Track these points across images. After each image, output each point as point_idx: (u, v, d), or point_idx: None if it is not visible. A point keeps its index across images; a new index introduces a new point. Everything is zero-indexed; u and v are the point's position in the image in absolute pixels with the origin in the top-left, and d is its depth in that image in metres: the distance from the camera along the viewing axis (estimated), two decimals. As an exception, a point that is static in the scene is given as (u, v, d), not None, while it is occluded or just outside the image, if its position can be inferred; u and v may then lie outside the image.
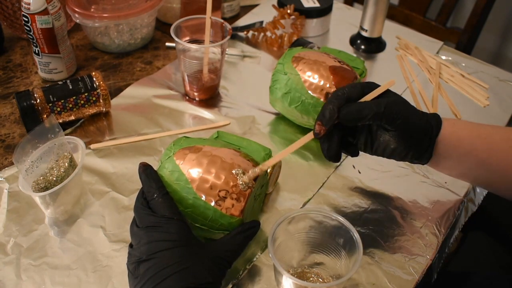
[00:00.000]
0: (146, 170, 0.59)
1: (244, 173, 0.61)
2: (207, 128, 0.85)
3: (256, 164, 0.64)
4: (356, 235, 0.59)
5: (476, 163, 0.63)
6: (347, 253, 0.61)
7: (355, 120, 0.58)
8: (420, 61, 1.03)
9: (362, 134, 0.64)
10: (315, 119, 0.59)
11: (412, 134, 0.61)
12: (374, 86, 0.62)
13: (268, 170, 0.69)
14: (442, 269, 0.76)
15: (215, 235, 0.62)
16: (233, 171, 0.61)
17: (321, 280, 0.63)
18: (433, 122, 0.63)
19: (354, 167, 0.80)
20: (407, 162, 0.80)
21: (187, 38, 0.89)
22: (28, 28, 0.87)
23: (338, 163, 0.80)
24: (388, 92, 0.62)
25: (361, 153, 0.81)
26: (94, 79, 0.84)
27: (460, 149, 0.63)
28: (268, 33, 1.07)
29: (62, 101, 0.82)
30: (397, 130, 0.60)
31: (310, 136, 0.60)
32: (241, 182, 0.60)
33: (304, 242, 0.64)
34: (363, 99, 0.60)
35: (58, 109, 0.82)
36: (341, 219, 0.60)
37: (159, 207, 0.56)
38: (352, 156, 0.66)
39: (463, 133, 0.63)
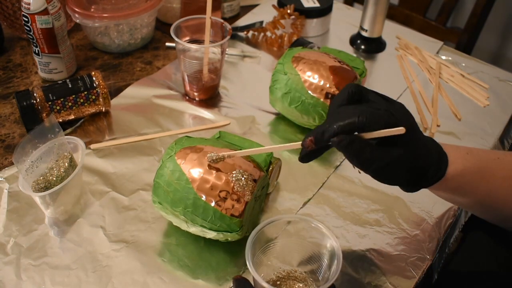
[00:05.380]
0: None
1: (239, 179, 0.61)
2: (207, 128, 0.85)
3: (257, 165, 0.64)
4: (336, 244, 0.56)
5: (474, 202, 0.62)
6: (328, 261, 0.59)
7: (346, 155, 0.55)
8: (420, 61, 1.03)
9: None
10: (308, 134, 0.54)
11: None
12: (392, 120, 0.53)
13: (269, 170, 0.69)
14: (443, 269, 0.76)
15: (214, 236, 0.62)
16: (234, 173, 0.61)
17: None
18: (432, 173, 0.57)
19: (354, 167, 0.80)
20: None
21: (187, 38, 0.89)
22: (28, 28, 0.87)
23: (338, 163, 0.80)
24: (404, 141, 0.54)
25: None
26: (94, 78, 0.84)
27: (458, 191, 0.61)
28: (268, 33, 1.07)
29: (62, 99, 0.82)
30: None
31: (297, 145, 0.56)
32: (210, 160, 0.60)
33: (284, 250, 0.61)
34: (367, 135, 0.53)
35: (58, 107, 0.82)
36: (321, 225, 0.58)
37: None
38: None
39: (466, 179, 0.59)
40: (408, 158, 0.54)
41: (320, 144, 0.54)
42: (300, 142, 0.55)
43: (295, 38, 1.04)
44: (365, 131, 0.52)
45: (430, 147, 0.57)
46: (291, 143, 0.57)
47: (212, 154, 0.61)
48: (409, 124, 0.54)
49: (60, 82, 0.84)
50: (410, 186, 0.59)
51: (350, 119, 0.52)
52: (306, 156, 0.57)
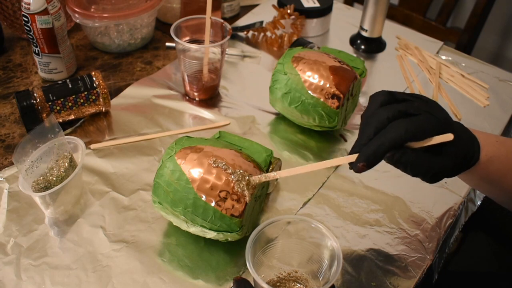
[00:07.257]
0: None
1: (240, 179, 0.60)
2: (207, 128, 0.85)
3: (257, 165, 0.64)
4: (336, 244, 0.56)
5: (501, 190, 0.62)
6: (328, 261, 0.59)
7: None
8: (420, 61, 1.03)
9: None
10: (358, 160, 0.52)
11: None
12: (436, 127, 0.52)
13: (269, 170, 0.69)
14: (443, 269, 0.76)
15: (214, 236, 0.62)
16: (232, 175, 0.60)
17: None
18: (468, 160, 0.56)
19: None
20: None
21: (187, 38, 0.89)
22: (28, 28, 0.87)
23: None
24: (451, 142, 0.53)
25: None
26: (94, 78, 0.84)
27: (486, 178, 0.60)
28: (268, 33, 1.07)
29: (62, 99, 0.82)
30: None
31: (343, 160, 0.55)
32: (239, 188, 0.60)
33: (284, 250, 0.61)
34: (416, 145, 0.53)
35: (58, 107, 0.82)
36: (321, 226, 0.58)
37: None
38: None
39: (495, 167, 0.58)
40: (456, 157, 0.54)
41: (372, 166, 0.53)
42: (347, 157, 0.54)
43: (295, 38, 1.04)
44: (413, 141, 0.52)
45: (465, 135, 0.56)
46: (336, 159, 0.56)
47: (255, 177, 0.60)
48: (447, 120, 0.53)
49: (60, 82, 0.84)
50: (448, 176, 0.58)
51: (397, 135, 0.50)
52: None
